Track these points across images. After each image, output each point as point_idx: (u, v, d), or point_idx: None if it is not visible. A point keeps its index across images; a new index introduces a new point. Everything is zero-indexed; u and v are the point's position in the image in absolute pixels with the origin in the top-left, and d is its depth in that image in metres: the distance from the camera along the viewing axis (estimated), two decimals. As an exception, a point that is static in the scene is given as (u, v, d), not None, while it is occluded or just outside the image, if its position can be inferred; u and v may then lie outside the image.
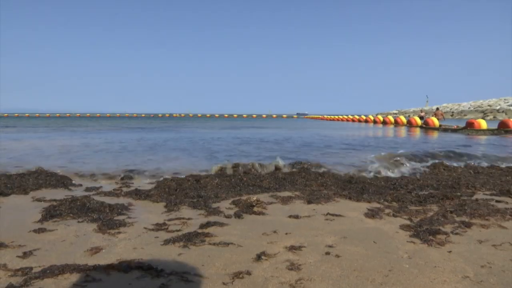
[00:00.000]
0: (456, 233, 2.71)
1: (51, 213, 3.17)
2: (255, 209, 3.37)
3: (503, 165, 5.98)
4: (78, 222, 3.00)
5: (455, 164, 6.06)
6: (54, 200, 3.63)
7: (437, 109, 24.44)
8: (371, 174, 5.33)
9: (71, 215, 3.17)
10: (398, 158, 6.37)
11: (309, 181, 4.65)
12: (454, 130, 18.38)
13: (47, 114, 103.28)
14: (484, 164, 6.18)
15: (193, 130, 21.10)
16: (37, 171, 5.22)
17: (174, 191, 4.11)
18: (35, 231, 2.74)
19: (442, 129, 19.61)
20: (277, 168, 5.57)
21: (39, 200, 3.73)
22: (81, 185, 4.63)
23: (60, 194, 4.00)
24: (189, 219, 3.09)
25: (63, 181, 4.65)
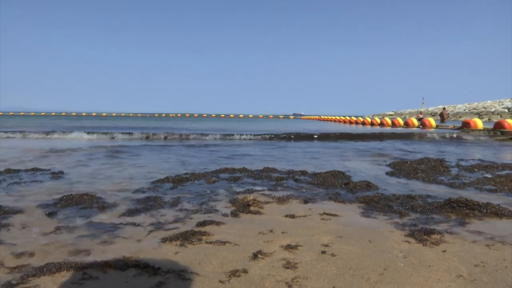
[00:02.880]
0: (451, 233, 2.74)
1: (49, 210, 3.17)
2: (252, 208, 3.38)
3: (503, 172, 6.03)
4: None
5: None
6: (52, 197, 3.63)
7: (444, 108, 26.36)
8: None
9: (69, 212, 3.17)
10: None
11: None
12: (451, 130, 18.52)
13: (43, 113, 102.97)
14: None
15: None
16: (33, 169, 5.23)
17: (171, 189, 4.11)
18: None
19: (439, 129, 19.80)
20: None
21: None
22: (79, 181, 4.62)
23: (56, 191, 3.99)
24: (186, 217, 3.09)
25: (58, 179, 4.64)
